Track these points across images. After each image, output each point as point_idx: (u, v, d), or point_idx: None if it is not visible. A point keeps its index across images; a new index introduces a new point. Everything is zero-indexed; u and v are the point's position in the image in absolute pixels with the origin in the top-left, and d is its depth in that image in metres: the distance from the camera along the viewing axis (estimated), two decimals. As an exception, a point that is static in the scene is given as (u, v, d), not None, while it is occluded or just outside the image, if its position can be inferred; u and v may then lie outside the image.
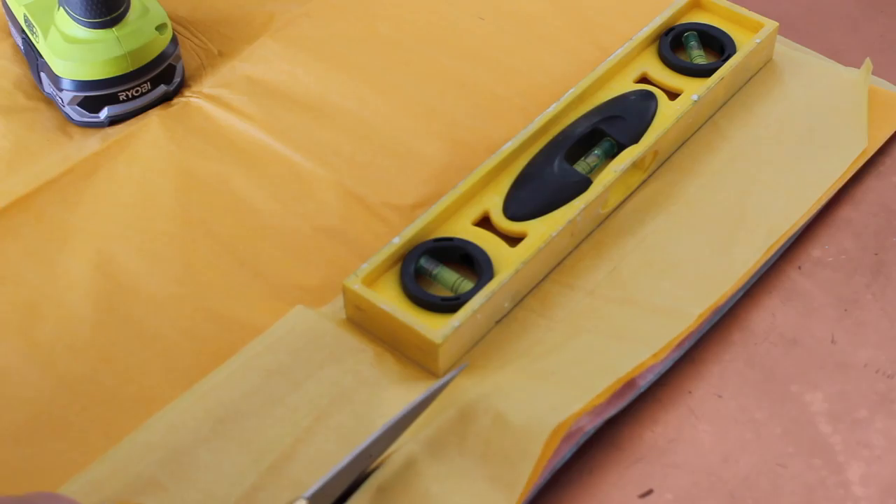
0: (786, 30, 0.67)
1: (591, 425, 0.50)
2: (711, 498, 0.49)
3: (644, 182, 0.60)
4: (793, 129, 0.62)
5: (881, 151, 0.63)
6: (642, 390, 0.51)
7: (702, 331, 0.54)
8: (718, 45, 0.65)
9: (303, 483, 0.47)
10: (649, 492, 0.49)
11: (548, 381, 0.51)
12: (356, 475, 0.47)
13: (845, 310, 0.56)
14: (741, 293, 0.56)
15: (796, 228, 0.58)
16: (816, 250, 0.59)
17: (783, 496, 0.49)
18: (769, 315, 0.56)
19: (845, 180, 0.60)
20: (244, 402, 0.50)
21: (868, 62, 0.64)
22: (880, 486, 0.49)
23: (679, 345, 0.53)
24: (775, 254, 0.57)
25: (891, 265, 0.58)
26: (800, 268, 0.58)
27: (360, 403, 0.50)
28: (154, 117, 0.64)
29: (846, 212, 0.60)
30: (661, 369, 0.52)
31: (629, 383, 0.51)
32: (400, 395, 0.51)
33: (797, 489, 0.49)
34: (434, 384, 0.49)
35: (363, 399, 0.50)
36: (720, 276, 0.55)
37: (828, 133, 0.62)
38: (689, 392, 0.53)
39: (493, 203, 0.57)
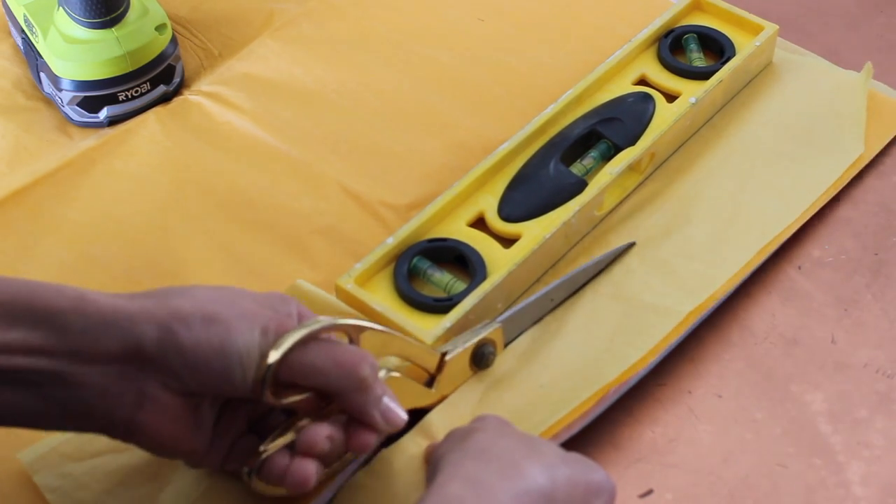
0: (785, 29, 0.67)
1: (578, 427, 0.50)
2: (711, 498, 0.49)
3: (641, 184, 0.60)
4: (790, 132, 0.62)
5: (881, 151, 0.62)
6: (630, 387, 0.51)
7: (691, 329, 0.53)
8: (718, 48, 0.64)
9: None
10: (649, 492, 0.49)
11: (537, 395, 0.50)
12: (539, 314, 0.53)
13: (845, 310, 0.56)
14: (733, 292, 0.55)
15: (790, 232, 0.57)
16: (816, 250, 0.58)
17: (783, 496, 0.49)
18: (769, 315, 0.55)
19: (841, 186, 0.60)
20: None
21: (868, 66, 0.63)
22: (880, 486, 0.49)
23: (669, 343, 0.52)
24: (767, 256, 0.56)
25: (891, 265, 0.57)
26: (800, 268, 0.58)
27: None
28: (151, 114, 0.64)
29: (846, 212, 0.60)
30: (653, 363, 0.52)
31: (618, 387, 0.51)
32: None
33: (797, 489, 0.49)
34: (602, 254, 0.55)
35: None
36: (711, 276, 0.55)
37: (826, 137, 0.61)
38: (689, 392, 0.52)
39: (488, 204, 0.57)
